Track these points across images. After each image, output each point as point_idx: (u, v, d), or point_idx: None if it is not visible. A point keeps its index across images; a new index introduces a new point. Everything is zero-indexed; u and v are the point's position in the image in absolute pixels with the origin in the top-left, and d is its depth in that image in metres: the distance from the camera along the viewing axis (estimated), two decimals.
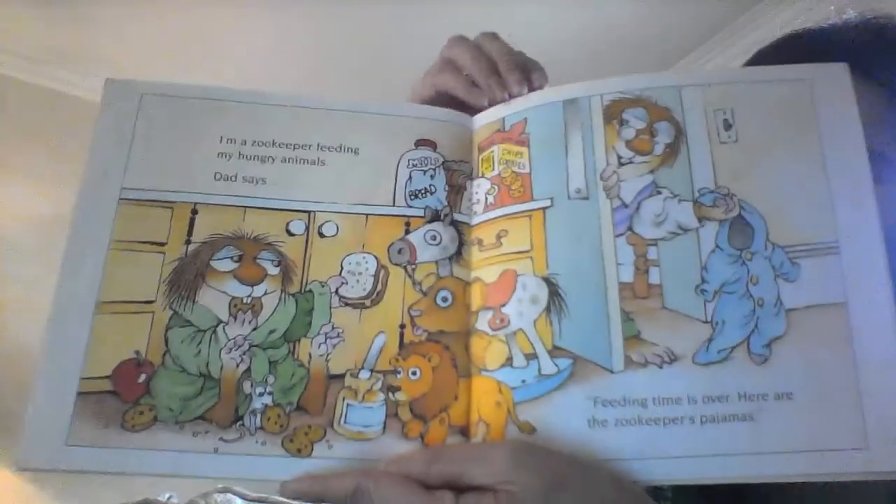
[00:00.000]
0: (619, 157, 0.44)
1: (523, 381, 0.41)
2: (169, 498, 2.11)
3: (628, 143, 0.45)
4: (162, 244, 0.43)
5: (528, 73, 0.48)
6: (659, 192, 0.43)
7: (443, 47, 0.52)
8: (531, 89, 0.48)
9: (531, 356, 0.41)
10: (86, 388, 0.40)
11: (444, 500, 0.36)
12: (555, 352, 0.41)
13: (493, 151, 0.47)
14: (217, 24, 2.54)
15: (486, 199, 0.46)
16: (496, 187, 0.46)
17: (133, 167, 0.44)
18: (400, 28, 2.42)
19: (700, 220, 0.42)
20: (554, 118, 0.46)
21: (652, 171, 0.44)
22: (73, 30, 2.63)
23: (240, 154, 0.45)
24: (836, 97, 0.43)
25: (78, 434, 0.39)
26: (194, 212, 0.44)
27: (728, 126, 0.44)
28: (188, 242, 0.43)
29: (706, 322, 0.40)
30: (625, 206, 0.43)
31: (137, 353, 0.41)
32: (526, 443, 0.39)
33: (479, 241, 0.45)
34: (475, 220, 0.46)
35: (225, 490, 2.19)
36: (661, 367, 0.40)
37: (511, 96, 0.48)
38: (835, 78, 0.44)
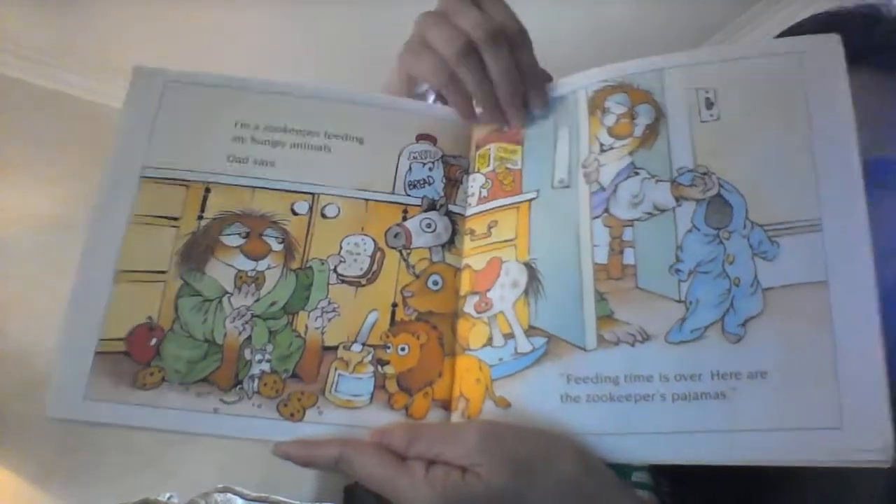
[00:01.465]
0: (601, 145, 0.46)
1: (500, 359, 0.43)
2: (169, 498, 2.20)
3: (610, 130, 0.46)
4: (176, 219, 0.46)
5: (527, 98, 0.48)
6: (637, 174, 0.44)
7: (425, 29, 0.49)
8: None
9: (509, 336, 0.44)
10: (103, 348, 0.43)
11: (415, 469, 0.39)
12: (531, 331, 0.43)
13: (489, 149, 0.50)
14: (218, 23, 2.54)
15: (480, 192, 0.49)
16: (490, 182, 0.49)
17: (154, 147, 0.48)
18: (400, 28, 2.38)
19: (677, 199, 0.43)
20: (545, 116, 0.49)
21: (631, 154, 0.45)
22: (74, 30, 2.64)
23: (252, 139, 0.49)
24: (828, 70, 0.42)
25: (94, 389, 0.43)
26: (207, 190, 0.47)
27: (710, 104, 0.44)
28: (200, 218, 0.46)
29: (680, 301, 0.41)
30: (602, 189, 0.45)
31: (150, 318, 0.44)
32: (495, 424, 0.41)
33: (472, 231, 0.48)
34: (469, 212, 0.49)
35: (225, 490, 2.26)
36: (633, 346, 0.41)
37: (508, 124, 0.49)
38: (827, 50, 0.43)
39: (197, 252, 0.46)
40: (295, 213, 0.47)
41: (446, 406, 0.44)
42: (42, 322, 2.45)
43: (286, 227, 0.47)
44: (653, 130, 0.45)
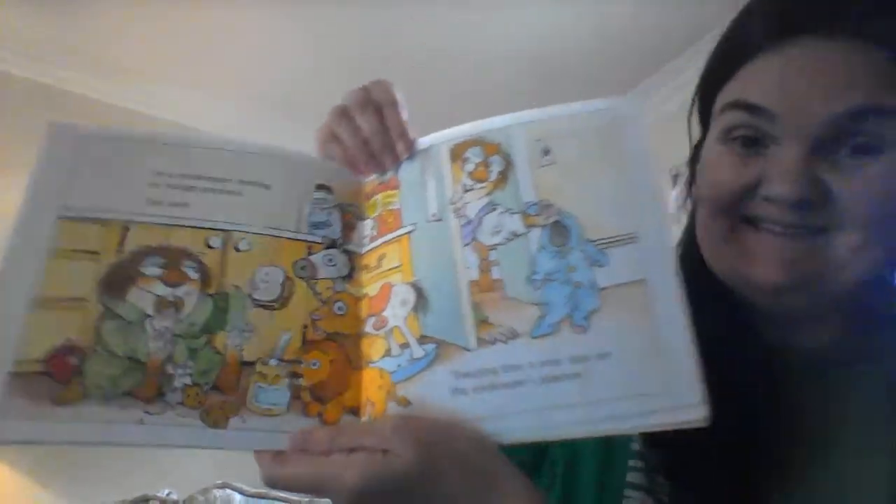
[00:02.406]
0: (465, 186, 0.57)
1: (399, 366, 0.51)
2: (168, 494, 2.21)
3: (470, 175, 0.57)
4: (96, 252, 0.49)
5: (395, 147, 0.59)
6: (495, 209, 0.55)
7: (329, 113, 0.62)
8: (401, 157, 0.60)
9: (405, 346, 0.51)
10: (19, 368, 0.45)
11: (337, 458, 0.45)
12: (422, 339, 0.51)
13: (376, 198, 0.59)
14: (218, 23, 2.57)
15: (371, 233, 0.57)
16: (377, 224, 0.57)
17: (72, 193, 0.51)
18: (399, 28, 2.50)
19: (528, 226, 0.54)
20: (415, 164, 0.59)
21: (489, 194, 0.56)
22: (74, 29, 2.66)
23: (168, 185, 0.53)
24: (635, 122, 0.55)
25: (11, 409, 0.44)
26: (126, 228, 0.51)
27: (546, 152, 0.56)
28: (120, 252, 0.50)
29: (537, 305, 0.51)
30: (470, 222, 0.55)
31: (70, 339, 0.46)
32: (406, 416, 0.48)
33: (366, 266, 0.56)
34: (363, 250, 0.57)
35: (224, 486, 2.23)
36: (506, 343, 0.50)
37: (385, 170, 0.60)
38: (634, 107, 0.56)
39: (118, 281, 0.49)
40: (210, 247, 0.52)
41: (356, 412, 0.50)
42: None
43: (202, 259, 0.51)
44: (504, 176, 0.56)
